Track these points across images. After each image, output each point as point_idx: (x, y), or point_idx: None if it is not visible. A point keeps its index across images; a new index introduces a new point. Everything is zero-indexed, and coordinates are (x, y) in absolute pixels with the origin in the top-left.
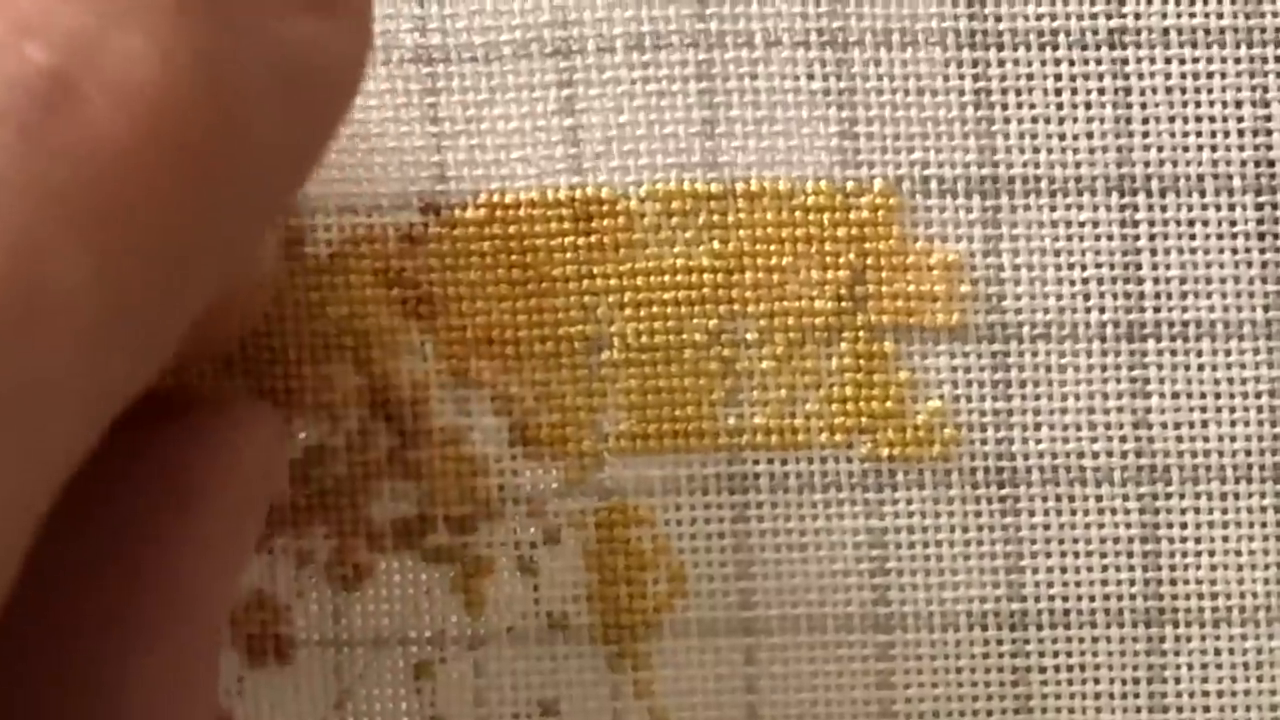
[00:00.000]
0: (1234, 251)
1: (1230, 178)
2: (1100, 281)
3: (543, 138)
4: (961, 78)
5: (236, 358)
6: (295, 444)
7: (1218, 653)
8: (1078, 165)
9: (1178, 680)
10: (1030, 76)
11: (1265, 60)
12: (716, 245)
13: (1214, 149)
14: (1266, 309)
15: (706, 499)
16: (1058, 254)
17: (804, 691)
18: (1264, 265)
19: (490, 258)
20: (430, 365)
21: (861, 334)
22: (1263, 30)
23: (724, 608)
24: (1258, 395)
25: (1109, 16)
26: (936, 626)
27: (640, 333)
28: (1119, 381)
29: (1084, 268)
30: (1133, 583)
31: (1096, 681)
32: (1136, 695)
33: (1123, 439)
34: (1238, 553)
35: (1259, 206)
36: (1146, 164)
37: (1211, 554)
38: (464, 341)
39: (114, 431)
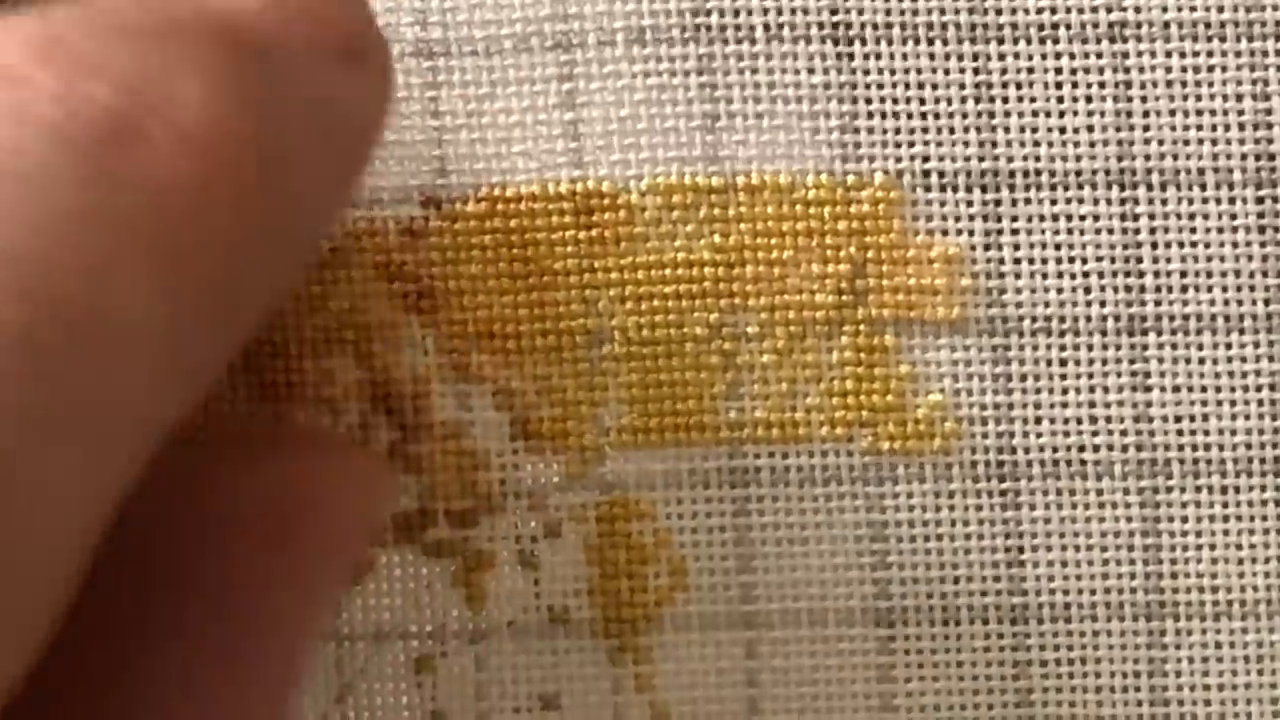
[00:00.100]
0: (1234, 245)
1: (1231, 171)
2: (1101, 275)
3: (543, 131)
4: (962, 71)
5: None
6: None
7: (1218, 646)
8: (1078, 159)
9: (1178, 674)
10: (1031, 70)
11: (1266, 54)
12: (717, 239)
13: (1214, 143)
14: (1267, 303)
15: (708, 493)
16: (1058, 248)
17: (805, 685)
18: (1264, 259)
19: (491, 251)
20: (431, 359)
21: (862, 327)
22: (1263, 24)
23: (725, 601)
24: (1258, 389)
25: (1109, 10)
26: (937, 620)
27: (641, 326)
28: (1120, 375)
29: (1084, 261)
30: (1133, 576)
31: (1097, 675)
32: (1137, 689)
33: (1123, 433)
34: (1238, 546)
35: (1259, 200)
36: (1147, 158)
37: (1212, 547)
38: (465, 335)
39: (221, 459)
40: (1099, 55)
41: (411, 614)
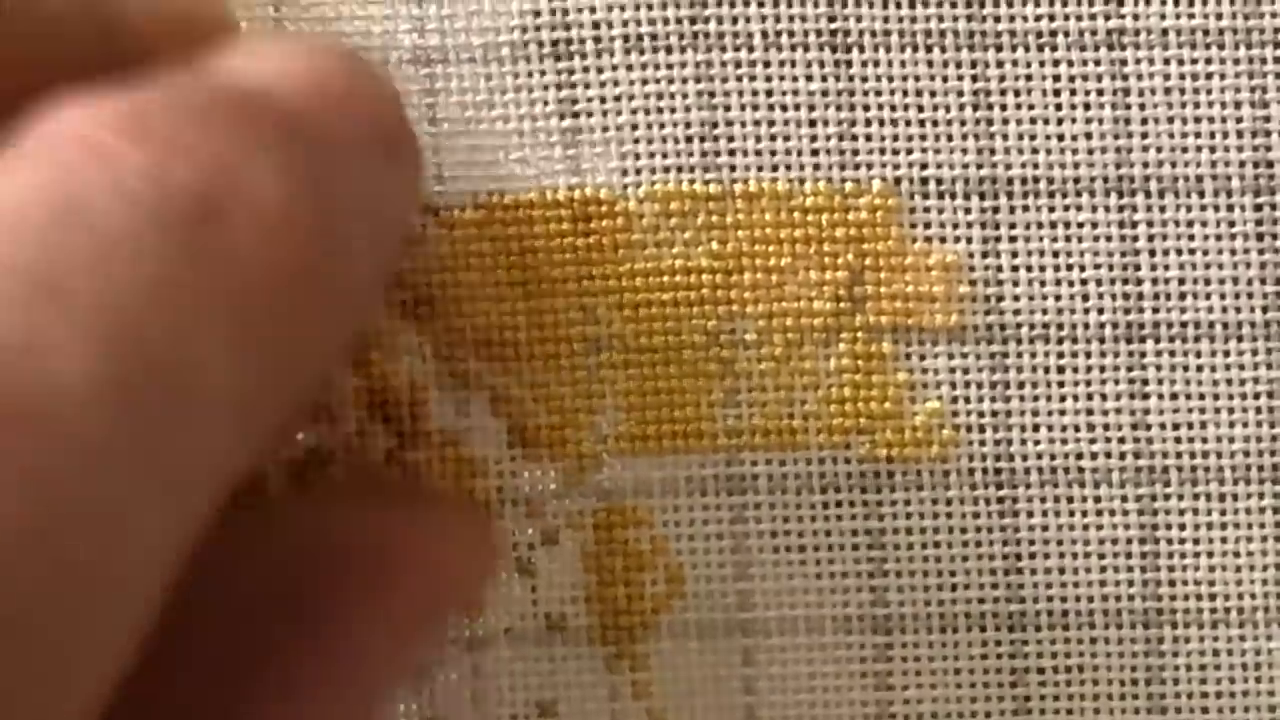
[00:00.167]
0: (1232, 252)
1: (1229, 179)
2: (1099, 282)
3: (541, 139)
4: (960, 79)
5: None
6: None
7: (1216, 653)
8: (1076, 166)
9: (1176, 681)
10: (1029, 78)
11: (1264, 61)
12: (715, 246)
13: (1212, 150)
14: (1265, 310)
15: (705, 500)
16: (1056, 255)
17: (802, 693)
18: (1262, 266)
19: (489, 259)
20: (429, 366)
21: (860, 335)
22: (1261, 31)
23: (722, 609)
24: (1256, 396)
25: (1107, 18)
26: (935, 628)
27: (639, 333)
28: (1117, 382)
29: (1082, 269)
30: (1131, 584)
31: (1095, 682)
32: (1135, 696)
33: (1121, 440)
34: (1236, 554)
35: (1258, 208)
36: (1145, 165)
37: (1210, 555)
38: (463, 343)
39: (332, 502)
40: (1097, 63)
41: None
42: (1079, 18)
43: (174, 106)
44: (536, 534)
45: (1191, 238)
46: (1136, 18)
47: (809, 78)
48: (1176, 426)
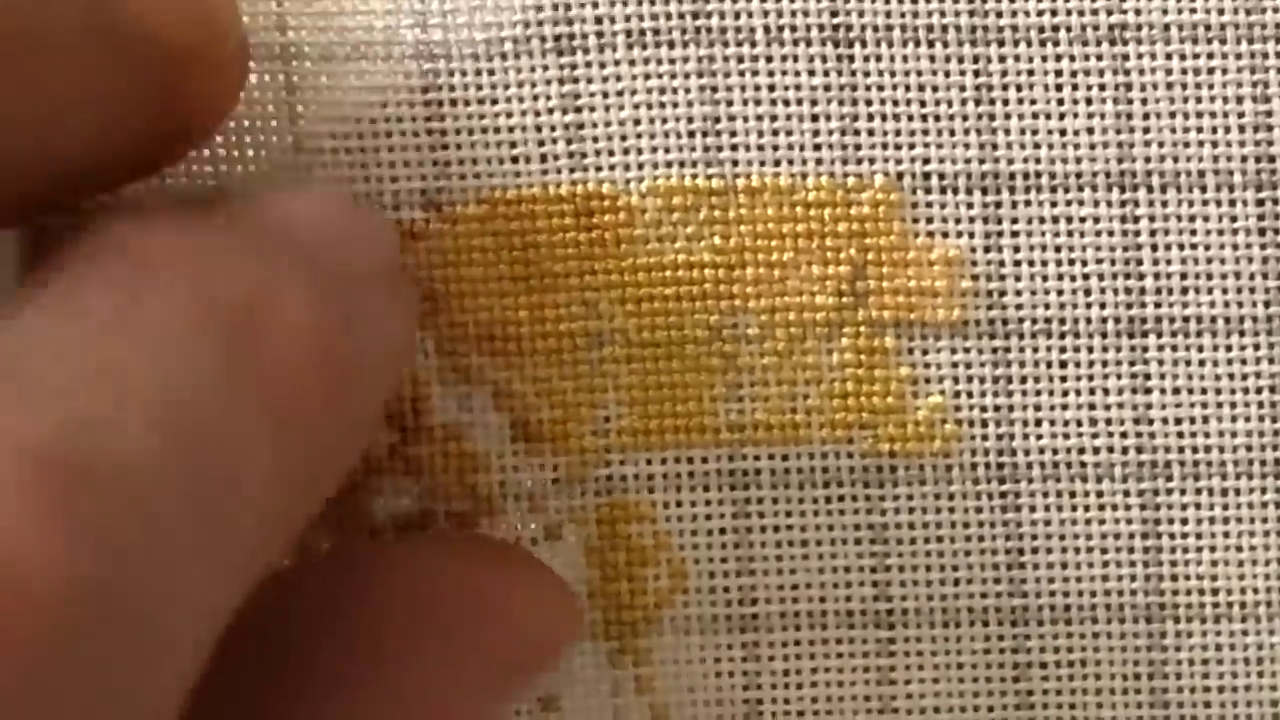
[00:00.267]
0: (1235, 247)
1: (1231, 173)
2: (1101, 277)
3: (544, 134)
4: (962, 74)
5: None
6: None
7: (1219, 648)
8: (1078, 161)
9: (1179, 676)
10: (1031, 72)
11: (1266, 56)
12: (717, 241)
13: (1215, 145)
14: (1267, 304)
15: (707, 495)
16: (1058, 249)
17: (805, 687)
18: (1265, 261)
19: (491, 254)
20: (431, 362)
21: (862, 329)
22: (1263, 26)
23: (725, 603)
24: (1259, 390)
25: (1110, 12)
26: (938, 622)
27: (641, 328)
28: (1120, 377)
29: (1085, 263)
30: (1134, 578)
31: (1098, 677)
32: (1138, 690)
33: (1124, 434)
34: (1239, 548)
35: (1260, 202)
36: (1147, 160)
37: (1212, 549)
38: (465, 338)
39: (427, 553)
40: (1099, 57)
41: None
42: (1081, 13)
43: (212, 232)
44: (539, 529)
45: (1194, 232)
46: (1138, 13)
47: (811, 72)
48: (1179, 421)
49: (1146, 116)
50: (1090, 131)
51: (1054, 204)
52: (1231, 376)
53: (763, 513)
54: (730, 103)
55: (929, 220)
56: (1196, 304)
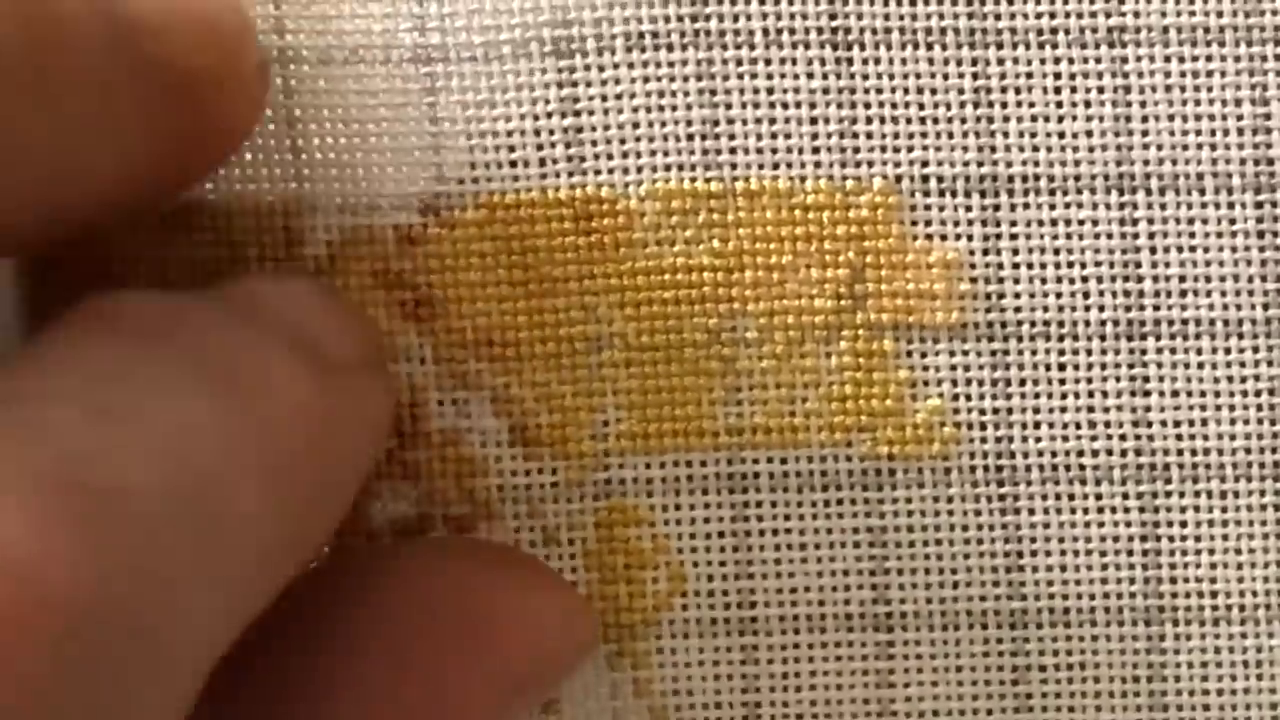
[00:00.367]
0: (1233, 249)
1: (1229, 176)
2: (1100, 280)
3: (542, 137)
4: (961, 76)
5: None
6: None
7: (1218, 651)
8: (1077, 163)
9: (1178, 678)
10: (1029, 75)
11: (1265, 58)
12: (716, 244)
13: (1213, 147)
14: (1266, 307)
15: (706, 498)
16: (1057, 252)
17: (804, 690)
18: (1263, 263)
19: (490, 258)
20: (429, 367)
21: (861, 332)
22: (1262, 29)
23: (724, 606)
24: (1257, 393)
25: (1108, 15)
26: (937, 625)
27: (640, 332)
28: (1118, 380)
29: (1083, 266)
30: (1132, 581)
31: (1096, 680)
32: (1136, 693)
33: (1122, 437)
34: (1237, 551)
35: (1258, 205)
36: (1146, 162)
37: (1211, 552)
38: (463, 344)
39: (443, 559)
40: (1098, 60)
41: None
42: (1080, 15)
43: (204, 303)
44: (538, 533)
45: (1192, 235)
46: (1137, 15)
47: (810, 75)
48: (1178, 424)
49: (1145, 119)
50: (1089, 134)
51: (1053, 206)
52: (1230, 379)
53: (761, 516)
54: (729, 106)
55: (928, 223)
56: (1195, 306)
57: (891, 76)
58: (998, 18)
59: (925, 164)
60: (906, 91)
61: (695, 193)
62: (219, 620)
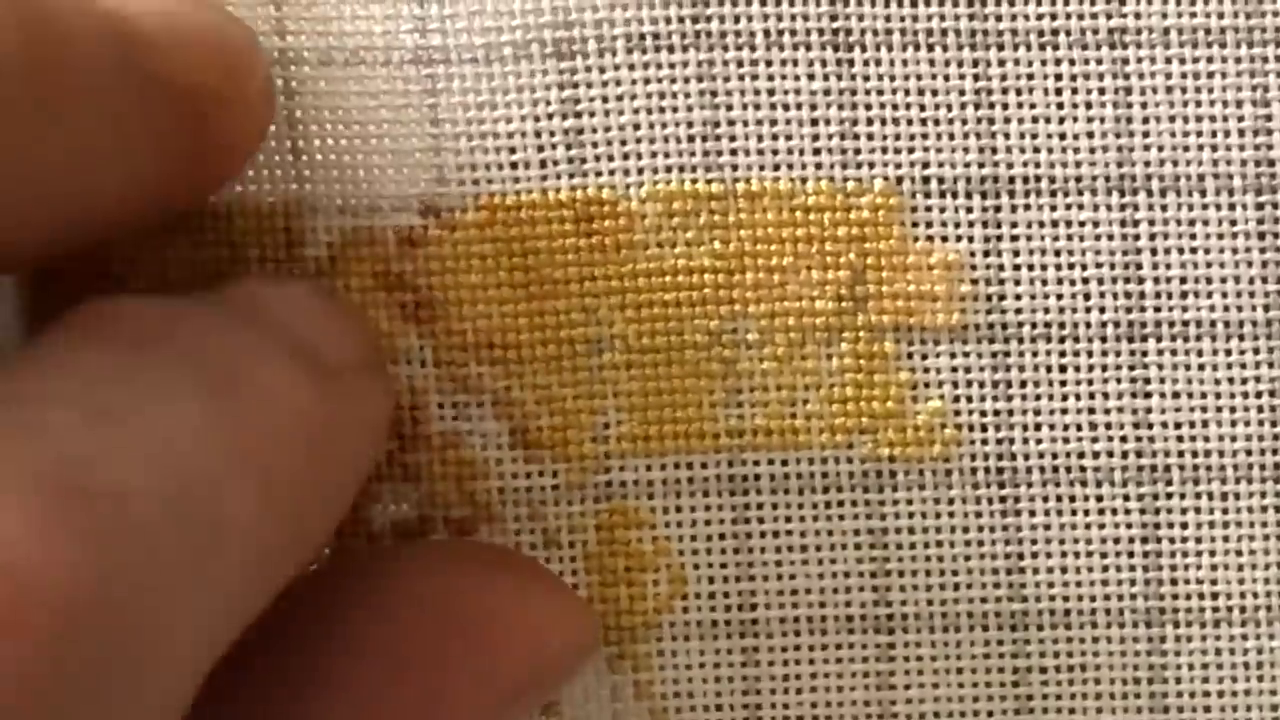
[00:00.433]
0: (1234, 251)
1: (1231, 177)
2: (1101, 281)
3: (543, 139)
4: (962, 78)
5: None
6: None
7: (1219, 652)
8: (1078, 165)
9: (1179, 680)
10: (1031, 76)
11: (1266, 60)
12: (717, 246)
13: (1214, 148)
14: (1267, 308)
15: (707, 500)
16: (1058, 254)
17: (805, 692)
18: (1264, 265)
19: (490, 260)
20: (429, 370)
21: (862, 334)
22: (1263, 30)
23: (724, 609)
24: (1258, 395)
25: (1109, 16)
26: (937, 627)
27: (641, 334)
28: (1119, 381)
29: (1084, 267)
30: (1133, 582)
31: (1097, 681)
32: (1137, 695)
33: (1123, 439)
34: (1238, 552)
35: (1259, 206)
36: (1147, 163)
37: (1212, 554)
38: (464, 346)
39: (443, 561)
40: (1099, 61)
41: None
42: (1081, 16)
43: (201, 307)
44: (538, 535)
45: (1193, 236)
46: (1138, 16)
47: (811, 76)
48: (1179, 425)
49: (1146, 120)
50: (1090, 135)
51: (1054, 208)
52: (1231, 380)
53: (762, 518)
54: (730, 107)
55: (928, 224)
56: (1196, 308)
57: (893, 78)
58: (999, 19)
59: (926, 165)
60: (908, 93)
61: (696, 194)
62: (217, 621)
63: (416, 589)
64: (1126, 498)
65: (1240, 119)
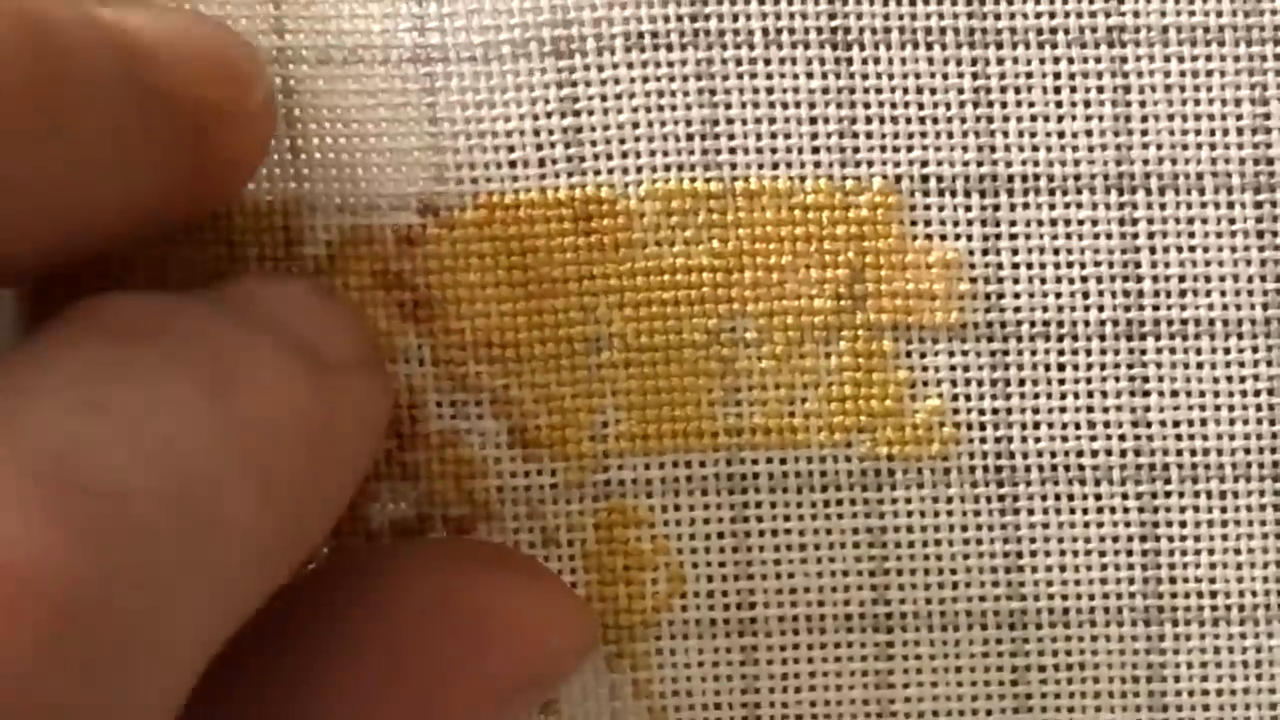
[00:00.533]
0: (1233, 249)
1: (1229, 175)
2: (1099, 279)
3: (542, 137)
4: (960, 76)
5: None
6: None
7: (1217, 651)
8: (1077, 163)
9: (1177, 679)
10: (1029, 75)
11: (1264, 58)
12: (716, 244)
13: (1213, 147)
14: (1265, 307)
15: (706, 499)
16: (1057, 252)
17: (803, 691)
18: (1263, 263)
19: (489, 259)
20: (428, 369)
21: (860, 332)
22: (1261, 29)
23: (723, 607)
24: (1256, 393)
25: (1108, 14)
26: (936, 625)
27: (639, 332)
28: (1118, 380)
29: (1083, 266)
30: (1132, 581)
31: (1096, 680)
32: (1136, 694)
33: (1122, 437)
34: (1236, 551)
35: (1258, 204)
36: (1145, 162)
37: (1210, 552)
38: (462, 344)
39: (440, 560)
40: (1097, 60)
41: None
42: (1079, 14)
43: (196, 303)
44: (537, 534)
45: (1192, 235)
46: (1137, 14)
47: (810, 75)
48: (1177, 424)
49: (1145, 119)
50: (1088, 134)
51: (1052, 206)
52: (1230, 379)
53: (761, 516)
54: (728, 106)
55: (927, 223)
56: (1195, 306)
57: (891, 76)
58: (997, 17)
59: (925, 164)
60: (906, 91)
61: (695, 193)
62: (214, 619)
63: (415, 587)
64: (1125, 496)
65: (1239, 117)
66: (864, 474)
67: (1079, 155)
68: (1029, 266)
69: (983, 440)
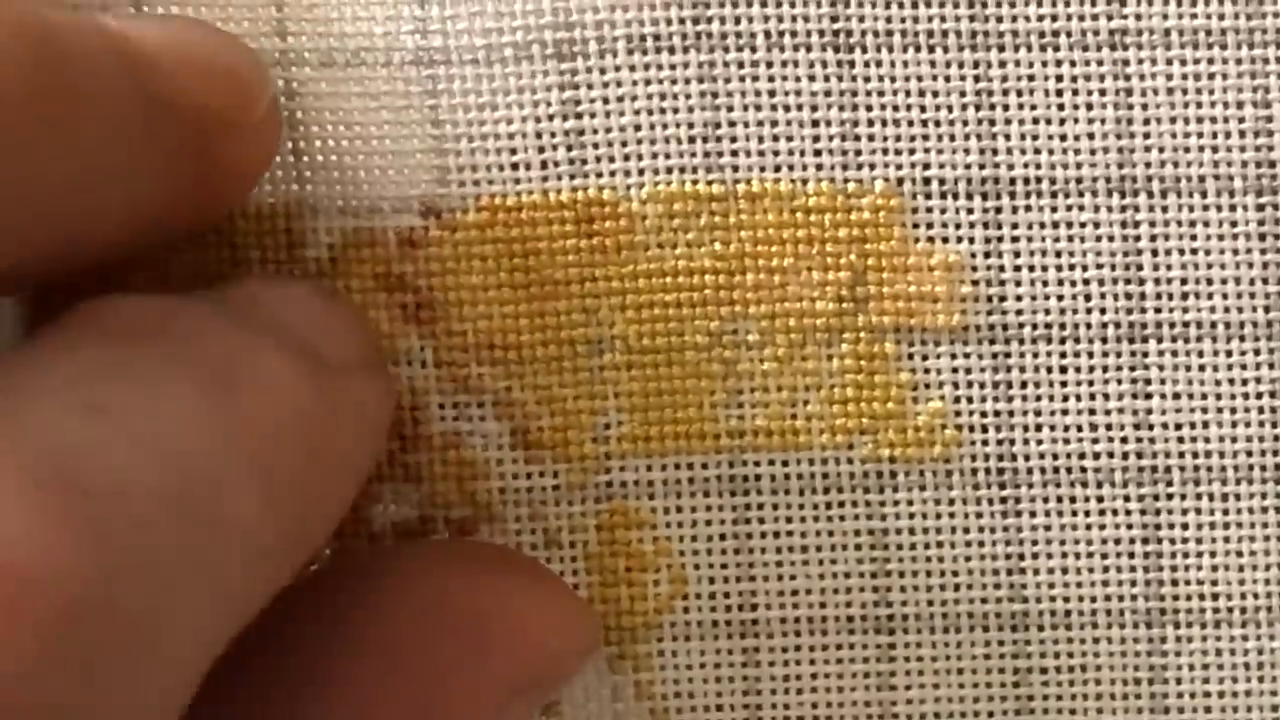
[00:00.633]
0: (1235, 252)
1: (1231, 179)
2: (1101, 282)
3: (544, 140)
4: (963, 79)
5: None
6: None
7: (1219, 653)
8: (1079, 166)
9: (1179, 681)
10: (1031, 78)
11: (1266, 61)
12: (718, 247)
13: (1215, 150)
14: (1268, 310)
15: (708, 501)
16: (1059, 255)
17: (805, 693)
18: (1265, 266)
19: (491, 261)
20: (430, 371)
21: (862, 335)
22: (1264, 31)
23: (725, 609)
24: (1259, 396)
25: (1110, 18)
26: (938, 628)
27: (642, 335)
28: (1120, 382)
29: (1085, 268)
30: (1134, 583)
31: (1098, 682)
32: (1138, 696)
33: (1124, 440)
34: (1239, 553)
35: (1260, 207)
36: (1148, 165)
37: (1213, 555)
38: (464, 346)
39: (441, 562)
40: (1100, 62)
41: None
42: (1081, 18)
43: (196, 303)
44: (539, 536)
45: (1194, 238)
46: (1139, 18)
47: (812, 78)
48: (1179, 426)
49: (1147, 121)
50: (1090, 136)
51: (1054, 209)
52: (1232, 381)
53: (763, 518)
54: (731, 108)
55: (929, 225)
56: (1197, 309)
57: (893, 79)
58: (999, 20)
59: (927, 166)
60: (908, 94)
61: (697, 195)
62: (216, 620)
63: (416, 589)
64: (1127, 498)
65: (1241, 120)
66: (866, 476)
67: (1081, 158)
68: (1031, 269)
69: (985, 442)
